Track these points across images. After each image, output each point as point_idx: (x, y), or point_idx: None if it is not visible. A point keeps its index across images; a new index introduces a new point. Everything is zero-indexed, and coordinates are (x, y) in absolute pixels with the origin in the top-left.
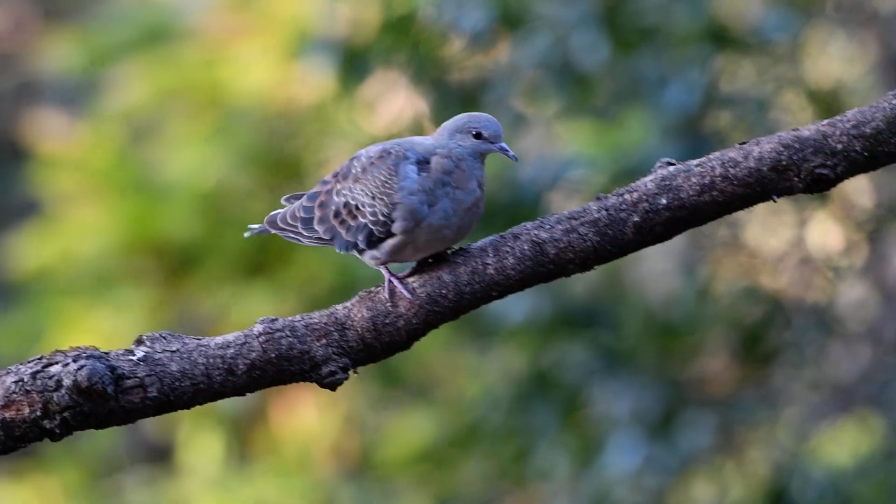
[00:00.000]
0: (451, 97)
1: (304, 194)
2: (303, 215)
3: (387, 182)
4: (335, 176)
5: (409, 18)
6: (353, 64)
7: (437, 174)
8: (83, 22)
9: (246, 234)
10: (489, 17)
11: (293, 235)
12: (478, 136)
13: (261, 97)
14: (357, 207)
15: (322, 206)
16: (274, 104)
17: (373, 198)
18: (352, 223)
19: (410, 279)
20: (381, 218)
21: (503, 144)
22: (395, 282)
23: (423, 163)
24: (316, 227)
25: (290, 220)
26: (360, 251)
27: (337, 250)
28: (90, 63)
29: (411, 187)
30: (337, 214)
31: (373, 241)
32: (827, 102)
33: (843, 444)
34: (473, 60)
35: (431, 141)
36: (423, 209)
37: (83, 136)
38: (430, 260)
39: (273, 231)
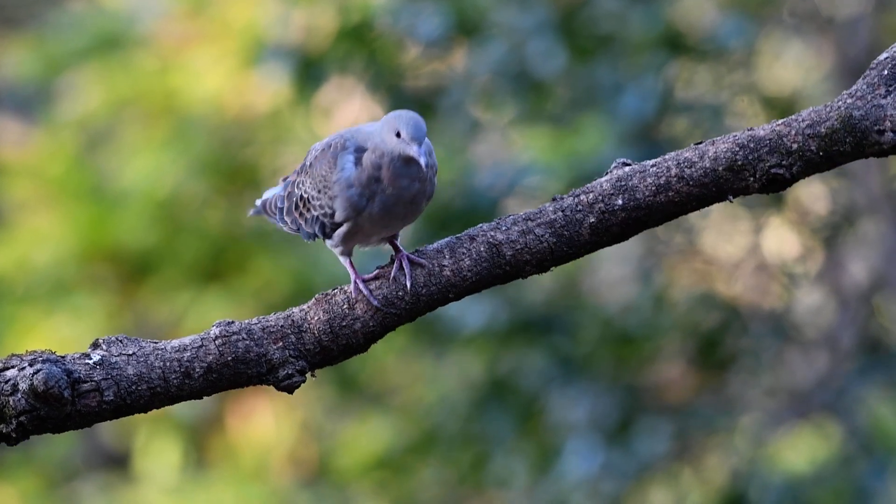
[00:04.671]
0: (407, 104)
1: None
2: (280, 205)
3: (327, 176)
4: (301, 167)
5: (365, 25)
6: (309, 71)
7: (368, 171)
8: (38, 29)
9: (249, 214)
10: (445, 24)
11: (279, 224)
12: (398, 134)
13: (216, 104)
14: (308, 200)
15: (289, 196)
16: (229, 111)
17: (318, 191)
18: (307, 215)
19: (373, 285)
20: (328, 210)
21: (416, 148)
22: (361, 284)
23: (361, 150)
24: (286, 218)
25: (271, 209)
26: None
27: (304, 240)
28: (45, 70)
29: (348, 180)
30: (297, 207)
31: (326, 232)
32: (782, 109)
33: (800, 451)
34: (429, 67)
35: (370, 128)
36: (362, 202)
37: (38, 143)
38: (393, 265)
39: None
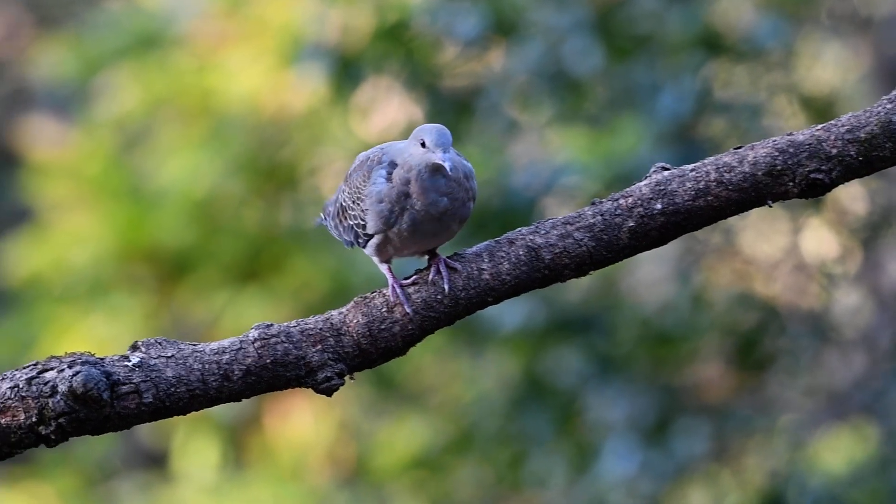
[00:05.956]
0: (444, 104)
1: None
2: (330, 209)
3: (360, 188)
4: (347, 174)
5: (403, 25)
6: (347, 70)
7: (397, 187)
8: (75, 29)
9: (315, 223)
10: (483, 24)
11: (329, 228)
12: (423, 144)
13: (253, 104)
14: (345, 209)
15: (335, 202)
16: (266, 111)
17: (353, 202)
18: (344, 223)
19: (411, 289)
20: (360, 221)
21: (442, 156)
22: (398, 289)
23: (394, 165)
24: (330, 223)
25: (325, 212)
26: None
27: (345, 245)
28: (82, 70)
29: (379, 194)
30: (337, 213)
31: (359, 242)
32: (820, 110)
33: (838, 452)
34: (467, 67)
35: (402, 145)
36: (392, 217)
37: (76, 142)
38: (431, 268)
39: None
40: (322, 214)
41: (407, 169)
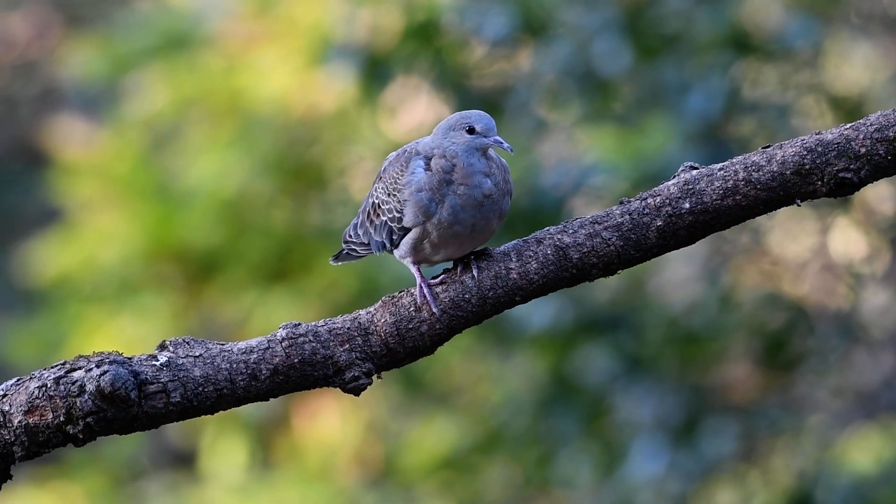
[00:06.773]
0: (473, 103)
1: None
2: (355, 221)
3: (398, 179)
4: (376, 178)
5: (432, 24)
6: (375, 70)
7: (438, 175)
8: (105, 29)
9: (331, 262)
10: (511, 23)
11: (354, 248)
12: (471, 130)
13: (281, 103)
14: (379, 206)
15: (363, 210)
16: (295, 110)
17: (388, 195)
18: (377, 222)
19: (439, 288)
20: (396, 214)
21: (497, 137)
22: (426, 289)
23: (429, 158)
24: (358, 232)
25: (350, 233)
26: (392, 251)
27: (374, 252)
28: (112, 70)
29: (419, 184)
30: (369, 215)
31: (394, 240)
32: (849, 110)
33: (866, 451)
34: (495, 67)
35: (428, 140)
36: (432, 206)
37: (104, 142)
38: (458, 267)
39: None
40: (343, 246)
41: (450, 156)
